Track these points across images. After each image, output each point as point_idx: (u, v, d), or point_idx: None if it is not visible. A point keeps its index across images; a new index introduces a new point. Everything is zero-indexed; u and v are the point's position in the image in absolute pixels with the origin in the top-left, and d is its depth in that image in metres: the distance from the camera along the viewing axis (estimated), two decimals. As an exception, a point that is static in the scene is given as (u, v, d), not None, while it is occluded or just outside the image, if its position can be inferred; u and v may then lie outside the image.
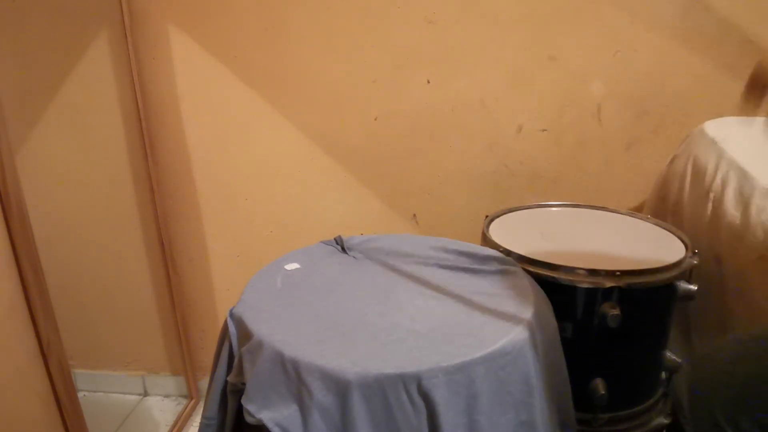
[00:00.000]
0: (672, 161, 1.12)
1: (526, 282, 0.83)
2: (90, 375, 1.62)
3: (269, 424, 0.63)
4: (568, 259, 0.88)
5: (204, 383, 1.59)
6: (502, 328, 0.70)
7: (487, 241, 0.98)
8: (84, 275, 1.51)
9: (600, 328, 0.85)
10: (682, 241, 0.96)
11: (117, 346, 1.59)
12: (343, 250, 0.97)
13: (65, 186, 1.42)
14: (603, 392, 0.87)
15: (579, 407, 0.83)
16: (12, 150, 0.88)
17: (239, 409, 0.70)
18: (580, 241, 1.00)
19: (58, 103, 1.34)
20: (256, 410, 0.65)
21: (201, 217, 1.43)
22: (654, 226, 1.05)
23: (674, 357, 0.96)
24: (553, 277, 0.86)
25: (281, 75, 1.28)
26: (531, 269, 0.88)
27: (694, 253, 0.91)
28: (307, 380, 0.63)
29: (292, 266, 0.90)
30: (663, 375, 0.98)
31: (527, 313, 0.74)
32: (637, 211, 1.18)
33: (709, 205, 0.93)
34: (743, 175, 0.88)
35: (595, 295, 0.85)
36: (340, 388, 0.62)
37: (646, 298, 0.87)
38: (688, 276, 0.89)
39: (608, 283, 0.83)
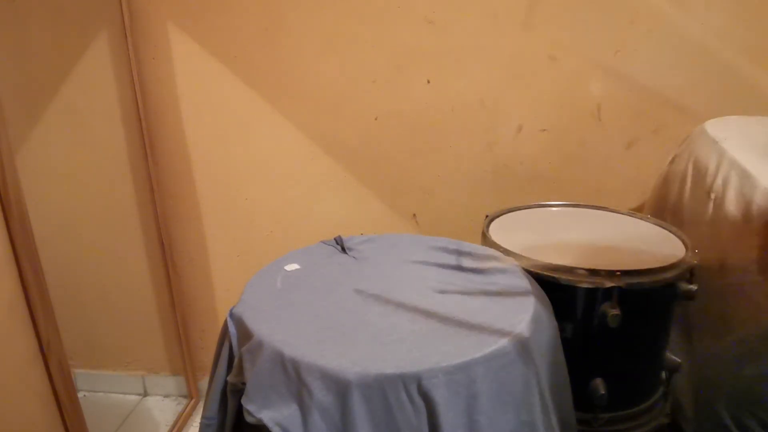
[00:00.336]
0: (672, 161, 1.12)
1: (526, 282, 0.83)
2: (90, 375, 1.62)
3: (269, 424, 0.63)
4: (568, 259, 0.88)
5: (204, 383, 1.59)
6: (502, 328, 0.70)
7: (487, 241, 0.98)
8: (84, 275, 1.50)
9: (600, 328, 0.85)
10: (682, 241, 0.96)
11: (117, 346, 1.59)
12: (343, 250, 0.97)
13: (65, 186, 1.42)
14: (603, 392, 0.87)
15: (579, 407, 0.83)
16: (12, 150, 0.88)
17: (239, 409, 0.70)
18: (580, 241, 1.00)
19: (58, 103, 1.34)
20: (256, 410, 0.65)
21: (201, 217, 1.43)
22: (654, 226, 1.05)
23: (674, 357, 0.96)
24: (553, 277, 0.86)
25: (281, 75, 1.28)
26: (531, 269, 0.88)
27: (694, 253, 0.91)
28: (307, 380, 0.63)
29: (292, 266, 0.90)
30: (663, 375, 0.98)
31: (527, 313, 0.74)
32: (637, 211, 1.18)
33: (710, 205, 0.93)
34: (744, 175, 0.88)
35: (595, 295, 0.85)
36: (340, 388, 0.62)
37: (646, 298, 0.87)
38: (688, 276, 0.89)
39: (608, 283, 0.83)
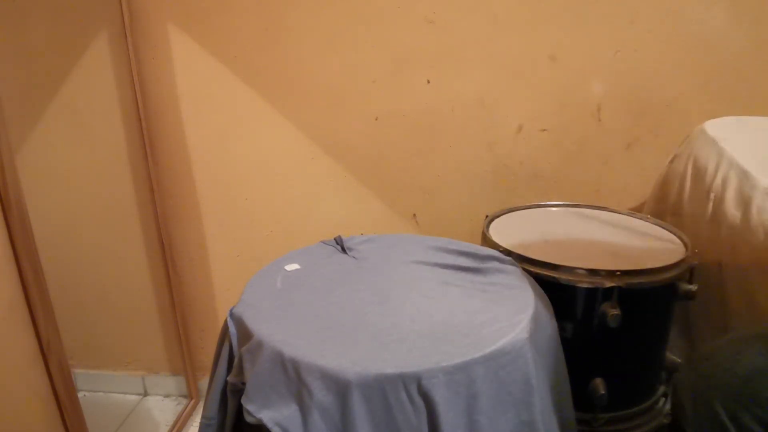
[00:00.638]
0: (672, 161, 1.12)
1: (526, 282, 0.83)
2: (90, 375, 1.62)
3: (269, 424, 0.63)
4: (568, 259, 0.88)
5: (204, 383, 1.59)
6: (502, 328, 0.70)
7: (487, 241, 0.98)
8: (84, 275, 1.50)
9: (600, 328, 0.85)
10: (682, 241, 0.96)
11: (117, 346, 1.59)
12: (343, 250, 0.97)
13: (65, 186, 1.42)
14: (603, 392, 0.87)
15: (579, 407, 0.83)
16: (12, 150, 0.88)
17: (239, 409, 0.70)
18: (580, 241, 1.00)
19: (58, 103, 1.34)
20: (256, 410, 0.65)
21: (201, 217, 1.43)
22: (654, 226, 1.05)
23: (674, 357, 0.96)
24: (553, 277, 0.86)
25: (281, 75, 1.28)
26: (531, 269, 0.88)
27: (694, 253, 0.91)
28: (307, 380, 0.63)
29: (292, 266, 0.90)
30: (663, 375, 0.98)
31: (527, 313, 0.74)
32: (637, 211, 1.18)
33: (710, 205, 0.93)
34: (744, 175, 0.88)
35: (595, 295, 0.85)
36: (340, 387, 0.62)
37: (646, 298, 0.87)
38: (688, 276, 0.89)
39: (608, 283, 0.83)
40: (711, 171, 0.95)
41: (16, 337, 0.91)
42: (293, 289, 0.83)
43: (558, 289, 0.85)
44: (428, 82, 1.24)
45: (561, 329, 0.80)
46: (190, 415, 1.54)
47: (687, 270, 0.88)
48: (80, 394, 1.60)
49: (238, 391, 0.71)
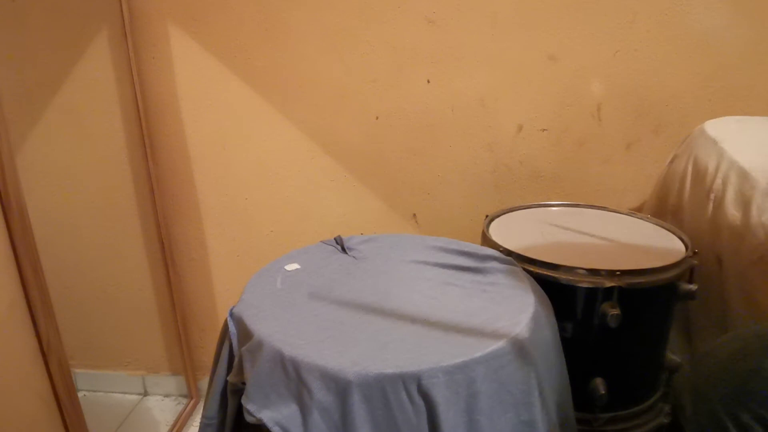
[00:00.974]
0: (672, 161, 1.12)
1: (526, 282, 0.83)
2: (90, 375, 1.62)
3: (269, 424, 0.63)
4: (568, 259, 0.88)
5: (204, 383, 1.59)
6: (502, 328, 0.70)
7: (487, 241, 0.98)
8: (84, 275, 1.50)
9: (600, 328, 0.85)
10: (682, 241, 0.96)
11: (117, 346, 1.59)
12: (343, 250, 0.97)
13: (65, 186, 1.42)
14: (603, 392, 0.87)
15: (579, 407, 0.83)
16: (12, 150, 0.88)
17: (239, 409, 0.70)
18: (580, 241, 1.00)
19: (58, 103, 1.34)
20: (256, 410, 0.65)
21: (201, 217, 1.43)
22: (654, 226, 1.05)
23: (674, 357, 0.96)
24: (553, 277, 0.86)
25: (281, 75, 1.28)
26: (531, 269, 0.88)
27: (694, 253, 0.91)
28: (307, 380, 0.63)
29: (292, 266, 0.90)
30: (663, 375, 0.98)
31: (527, 313, 0.74)
32: (637, 211, 1.18)
33: (710, 205, 0.93)
34: (744, 175, 0.88)
35: (595, 295, 0.85)
36: (340, 387, 0.62)
37: (646, 298, 0.87)
38: (688, 276, 0.89)
39: (608, 283, 0.83)
40: (711, 171, 0.95)
41: (16, 337, 0.91)
42: (293, 289, 0.83)
43: (558, 289, 0.85)
44: (428, 82, 1.24)
45: (561, 329, 0.80)
46: (190, 414, 1.54)
47: (687, 270, 0.88)
48: (80, 394, 1.60)
49: (238, 390, 0.71)
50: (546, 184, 1.28)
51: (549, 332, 0.76)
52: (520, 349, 0.67)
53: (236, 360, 0.73)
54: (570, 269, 0.86)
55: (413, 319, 0.74)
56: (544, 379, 0.70)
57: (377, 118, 1.28)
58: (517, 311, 0.74)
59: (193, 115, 1.33)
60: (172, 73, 1.30)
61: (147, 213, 1.41)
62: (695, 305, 0.95)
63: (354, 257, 0.94)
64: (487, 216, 1.10)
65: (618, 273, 0.84)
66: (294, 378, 0.64)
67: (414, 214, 1.36)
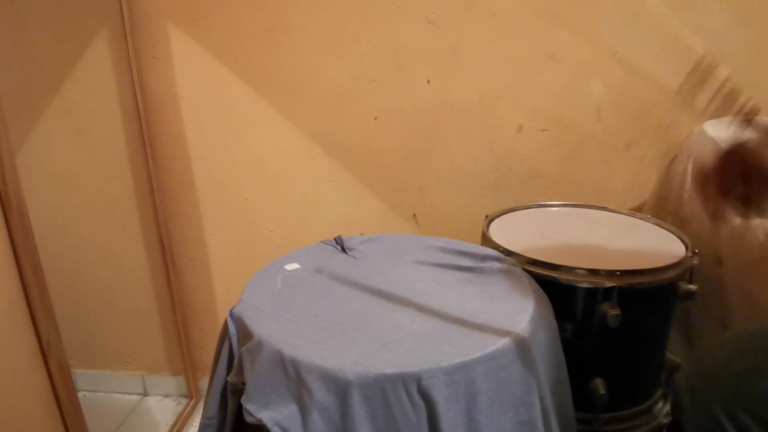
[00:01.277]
0: (672, 161, 1.12)
1: (526, 282, 0.83)
2: (90, 375, 1.62)
3: (269, 424, 0.63)
4: (568, 259, 0.88)
5: (204, 383, 1.59)
6: (502, 328, 0.70)
7: (487, 241, 0.98)
8: (84, 275, 1.50)
9: (600, 328, 0.85)
10: (682, 241, 0.96)
11: (117, 346, 1.59)
12: (343, 250, 0.97)
13: (65, 186, 1.42)
14: (603, 392, 0.87)
15: (579, 407, 0.83)
16: (12, 150, 0.88)
17: (239, 409, 0.70)
18: (580, 241, 1.00)
19: (58, 103, 1.34)
20: (256, 410, 0.65)
21: (201, 217, 1.43)
22: (654, 226, 1.05)
23: (674, 357, 0.96)
24: (553, 277, 0.86)
25: (281, 75, 1.28)
26: (531, 269, 0.88)
27: (694, 253, 0.91)
28: (307, 380, 0.63)
29: (292, 266, 0.90)
30: (663, 375, 0.98)
31: (527, 313, 0.74)
32: (637, 211, 1.18)
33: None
34: (743, 175, 0.88)
35: (595, 295, 0.85)
36: (340, 387, 0.62)
37: (646, 298, 0.87)
38: (688, 276, 0.89)
39: (608, 283, 0.83)
40: (711, 171, 0.95)
41: (16, 337, 0.91)
42: (293, 289, 0.83)
43: (558, 289, 0.85)
44: (428, 82, 1.24)
45: (561, 329, 0.80)
46: (190, 415, 1.54)
47: (687, 270, 0.88)
48: (80, 394, 1.60)
49: (238, 391, 0.71)
50: (546, 184, 1.28)
51: (549, 332, 0.76)
52: (520, 349, 0.67)
53: (236, 360, 0.73)
54: (570, 269, 0.86)
55: (413, 319, 0.74)
56: (544, 379, 0.70)
57: (377, 118, 1.28)
58: (517, 311, 0.74)
59: (193, 115, 1.33)
60: (172, 73, 1.30)
61: (147, 213, 1.41)
62: (695, 305, 0.95)
63: (354, 257, 0.94)
64: (487, 216, 1.10)
65: (618, 273, 0.84)
66: (294, 378, 0.64)
67: (414, 214, 1.36)
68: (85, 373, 1.61)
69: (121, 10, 1.22)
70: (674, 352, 0.96)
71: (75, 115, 1.35)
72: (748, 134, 0.65)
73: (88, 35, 1.28)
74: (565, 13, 1.16)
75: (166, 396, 1.63)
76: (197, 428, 0.82)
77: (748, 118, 0.68)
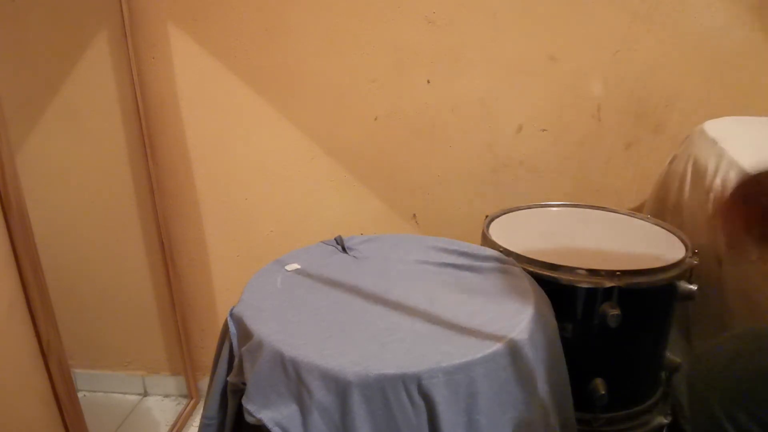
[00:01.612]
0: (672, 161, 1.12)
1: (526, 282, 0.83)
2: (90, 375, 1.62)
3: (269, 424, 0.63)
4: (568, 259, 0.88)
5: (204, 383, 1.59)
6: (502, 328, 0.70)
7: (487, 241, 0.98)
8: (84, 275, 1.50)
9: (600, 328, 0.85)
10: (682, 241, 0.96)
11: (117, 346, 1.59)
12: (343, 250, 0.97)
13: (65, 186, 1.42)
14: (603, 392, 0.87)
15: (579, 407, 0.83)
16: (12, 150, 0.88)
17: (239, 409, 0.70)
18: (580, 241, 1.00)
19: (58, 103, 1.34)
20: (256, 410, 0.65)
21: (201, 217, 1.43)
22: (654, 226, 1.05)
23: (674, 357, 0.96)
24: (553, 277, 0.86)
25: (281, 75, 1.28)
26: (531, 269, 0.88)
27: (694, 253, 0.91)
28: (307, 380, 0.63)
29: (292, 266, 0.90)
30: (663, 375, 0.98)
31: (527, 313, 0.74)
32: (637, 211, 1.18)
33: (709, 206, 0.93)
34: (744, 175, 0.88)
35: (595, 295, 0.85)
36: (340, 388, 0.62)
37: (646, 298, 0.87)
38: (688, 276, 0.89)
39: (608, 283, 0.83)
40: (711, 171, 0.95)
41: (16, 337, 0.91)
42: (293, 289, 0.83)
43: (558, 289, 0.85)
44: (428, 82, 1.24)
45: (561, 329, 0.80)
46: (190, 415, 1.54)
47: (687, 270, 0.88)
48: (80, 394, 1.60)
49: (239, 391, 0.71)
50: (546, 184, 1.28)
51: (549, 332, 0.76)
52: (520, 349, 0.67)
53: (236, 360, 0.73)
54: (570, 269, 0.86)
55: (413, 320, 0.74)
56: (544, 379, 0.70)
57: (376, 118, 1.28)
58: (517, 311, 0.74)
59: (193, 115, 1.33)
60: (172, 73, 1.30)
61: (147, 213, 1.41)
62: (695, 305, 0.95)
63: (354, 257, 0.94)
64: (487, 216, 1.10)
65: (618, 273, 0.84)
66: (294, 378, 0.64)
67: (414, 214, 1.36)
68: (85, 373, 1.61)
69: (121, 11, 1.22)
70: (674, 352, 0.96)
71: (75, 115, 1.35)
72: None
73: (88, 35, 1.28)
74: (565, 13, 1.16)
75: (166, 396, 1.63)
76: (197, 428, 0.82)
77: None
